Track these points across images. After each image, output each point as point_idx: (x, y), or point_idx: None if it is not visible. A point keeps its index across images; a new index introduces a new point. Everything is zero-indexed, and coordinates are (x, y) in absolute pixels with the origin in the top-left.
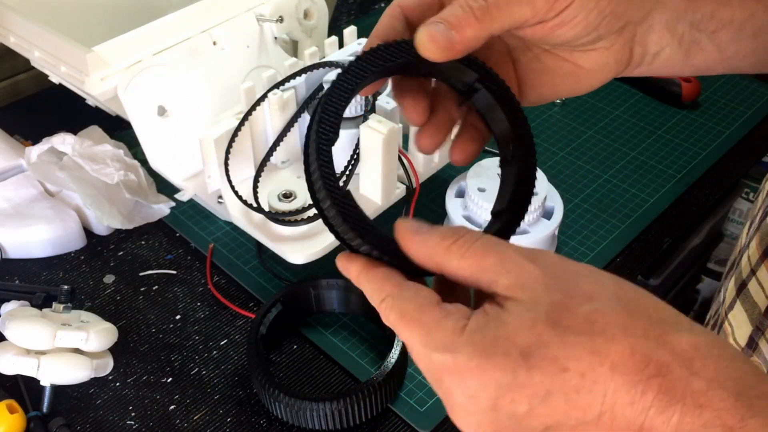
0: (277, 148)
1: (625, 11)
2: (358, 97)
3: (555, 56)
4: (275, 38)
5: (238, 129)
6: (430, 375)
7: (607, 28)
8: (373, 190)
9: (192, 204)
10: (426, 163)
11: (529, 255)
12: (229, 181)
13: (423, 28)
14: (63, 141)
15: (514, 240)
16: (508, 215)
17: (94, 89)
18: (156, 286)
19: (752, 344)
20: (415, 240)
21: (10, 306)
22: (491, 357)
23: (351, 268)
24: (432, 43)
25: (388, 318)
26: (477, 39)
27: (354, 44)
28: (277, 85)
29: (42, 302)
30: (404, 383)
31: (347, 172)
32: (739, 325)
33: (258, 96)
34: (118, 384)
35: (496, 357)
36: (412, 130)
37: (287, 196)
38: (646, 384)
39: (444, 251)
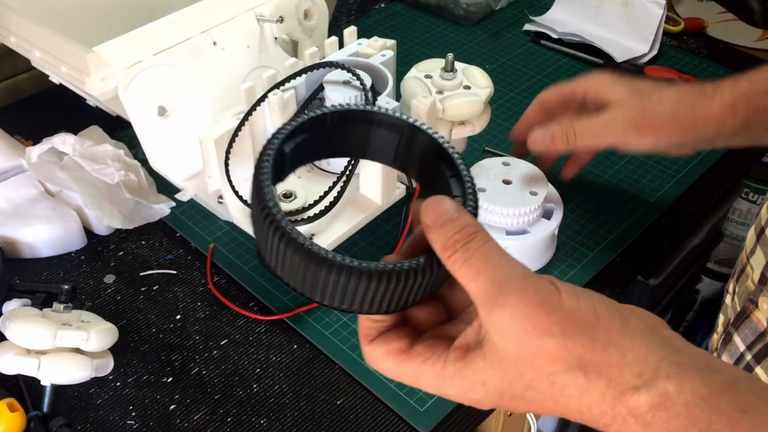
0: None
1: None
2: (358, 96)
3: None
4: (275, 38)
5: (238, 129)
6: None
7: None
8: (373, 190)
9: (192, 204)
10: None
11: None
12: (230, 181)
13: (536, 132)
14: (63, 141)
15: (515, 240)
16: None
17: (94, 89)
18: (156, 286)
19: (763, 280)
20: (431, 232)
21: (11, 306)
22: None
23: None
24: (539, 143)
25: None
26: (565, 150)
27: (354, 44)
28: (277, 85)
29: (42, 302)
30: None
31: (347, 173)
32: (758, 267)
33: (258, 96)
34: (118, 384)
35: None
36: None
37: (287, 196)
38: None
39: (446, 259)
